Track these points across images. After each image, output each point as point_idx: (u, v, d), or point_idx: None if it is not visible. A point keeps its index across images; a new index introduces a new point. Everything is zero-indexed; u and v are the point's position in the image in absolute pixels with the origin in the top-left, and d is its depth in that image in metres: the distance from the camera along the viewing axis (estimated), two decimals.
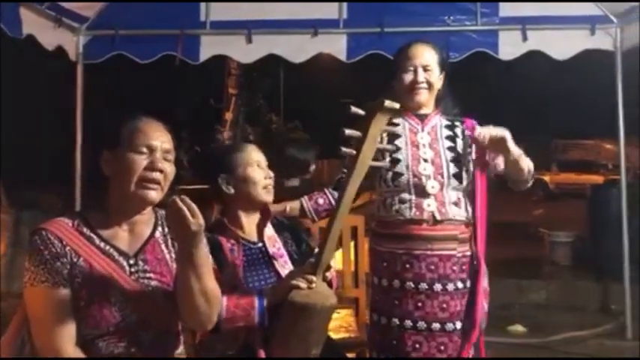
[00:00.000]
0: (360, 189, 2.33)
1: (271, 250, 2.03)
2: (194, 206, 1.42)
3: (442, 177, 2.17)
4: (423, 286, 2.13)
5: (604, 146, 14.74)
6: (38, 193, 6.45)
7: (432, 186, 2.15)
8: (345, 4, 4.15)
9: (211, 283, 1.54)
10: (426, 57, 2.24)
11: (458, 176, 2.18)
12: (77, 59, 4.25)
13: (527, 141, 2.75)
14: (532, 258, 6.42)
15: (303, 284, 1.79)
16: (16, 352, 1.53)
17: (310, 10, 4.13)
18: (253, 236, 2.04)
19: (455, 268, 2.15)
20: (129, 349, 1.51)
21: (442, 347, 2.13)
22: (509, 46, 4.08)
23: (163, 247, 1.61)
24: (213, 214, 2.16)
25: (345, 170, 1.92)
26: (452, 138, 2.24)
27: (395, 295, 2.16)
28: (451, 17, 4.14)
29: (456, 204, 2.17)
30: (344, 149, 1.81)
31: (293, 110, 12.84)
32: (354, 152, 1.80)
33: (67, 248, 1.48)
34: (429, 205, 2.14)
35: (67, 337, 1.46)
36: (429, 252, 2.14)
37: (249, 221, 2.05)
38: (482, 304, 2.17)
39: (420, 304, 2.13)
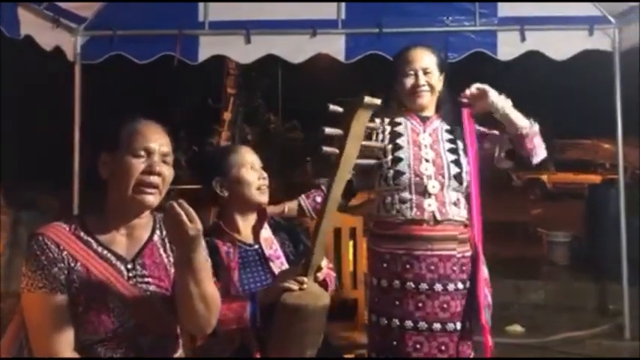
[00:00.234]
0: (358, 188, 2.33)
1: (268, 251, 2.02)
2: (192, 210, 1.40)
3: (443, 177, 2.18)
4: (424, 286, 2.13)
5: (602, 146, 14.80)
6: (36, 193, 6.42)
7: (432, 186, 2.16)
8: (343, 5, 4.14)
9: (210, 288, 1.52)
10: (426, 60, 2.26)
11: (458, 177, 2.19)
12: (75, 60, 4.23)
13: None
14: (530, 258, 6.43)
15: (294, 286, 1.77)
16: (14, 356, 1.52)
17: (309, 10, 4.12)
18: (249, 238, 2.03)
19: (455, 268, 2.15)
20: (127, 354, 1.50)
21: (443, 347, 2.13)
22: (508, 47, 4.07)
23: (161, 251, 1.60)
24: (210, 216, 2.15)
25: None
26: (452, 141, 2.26)
27: (395, 296, 2.16)
28: (450, 17, 4.13)
29: (456, 204, 2.19)
30: (325, 148, 1.75)
31: (291, 110, 12.86)
32: (337, 151, 1.75)
33: (65, 253, 1.46)
34: (430, 205, 2.15)
35: (65, 343, 1.45)
36: (429, 252, 2.14)
37: (246, 223, 2.04)
38: (485, 292, 2.17)
39: (420, 305, 2.13)
